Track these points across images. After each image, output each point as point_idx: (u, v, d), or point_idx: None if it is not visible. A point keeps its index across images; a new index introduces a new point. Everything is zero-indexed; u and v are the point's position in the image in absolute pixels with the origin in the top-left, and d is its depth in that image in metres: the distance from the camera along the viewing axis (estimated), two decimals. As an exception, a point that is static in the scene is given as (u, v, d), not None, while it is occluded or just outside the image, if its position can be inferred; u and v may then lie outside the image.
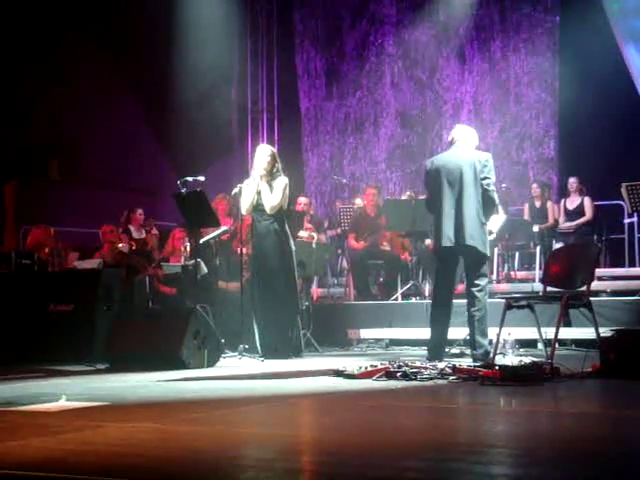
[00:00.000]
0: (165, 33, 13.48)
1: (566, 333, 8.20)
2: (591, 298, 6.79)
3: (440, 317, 7.33)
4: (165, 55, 13.56)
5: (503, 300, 6.99)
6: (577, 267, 7.00)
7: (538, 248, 11.01)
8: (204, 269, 9.36)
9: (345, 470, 3.23)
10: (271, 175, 8.26)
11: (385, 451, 3.54)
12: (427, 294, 9.82)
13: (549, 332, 6.76)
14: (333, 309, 10.28)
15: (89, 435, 3.96)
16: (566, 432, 4.10)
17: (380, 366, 6.21)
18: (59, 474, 3.17)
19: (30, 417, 4.66)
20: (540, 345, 7.55)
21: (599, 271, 9.73)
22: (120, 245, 10.30)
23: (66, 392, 5.29)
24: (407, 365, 6.17)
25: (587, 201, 11.27)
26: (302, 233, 10.26)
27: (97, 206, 12.72)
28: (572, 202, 11.39)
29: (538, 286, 9.10)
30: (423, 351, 8.14)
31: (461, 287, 9.61)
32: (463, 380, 5.85)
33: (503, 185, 11.64)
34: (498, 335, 6.49)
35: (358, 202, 11.56)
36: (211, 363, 7.44)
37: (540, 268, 10.51)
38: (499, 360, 6.01)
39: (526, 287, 10.29)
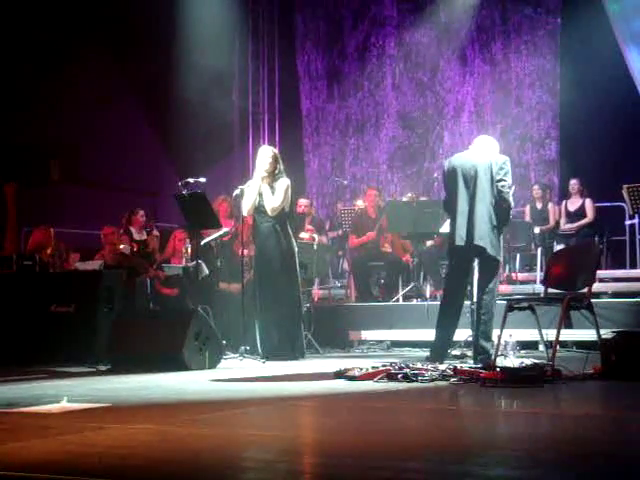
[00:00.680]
0: (166, 34, 13.49)
1: (567, 335, 8.20)
2: (592, 300, 6.79)
3: (448, 319, 7.29)
4: (166, 56, 13.57)
5: (504, 302, 6.98)
6: (578, 269, 7.00)
7: (539, 250, 11.02)
8: (205, 270, 9.36)
9: (346, 472, 3.23)
10: (273, 177, 8.27)
11: (386, 453, 3.54)
12: (428, 295, 9.82)
13: (550, 334, 6.76)
14: (334, 310, 10.29)
15: (91, 436, 3.96)
16: (567, 434, 4.10)
17: (381, 368, 6.21)
18: (61, 476, 3.17)
19: (32, 418, 4.66)
20: (541, 347, 7.56)
21: (600, 273, 9.72)
22: (121, 246, 10.30)
23: (68, 393, 5.29)
24: (408, 367, 6.18)
25: (588, 203, 11.27)
26: (303, 235, 10.27)
27: (98, 207, 12.71)
28: (573, 204, 11.39)
29: (539, 288, 9.11)
30: (424, 352, 8.15)
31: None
32: (464, 382, 5.85)
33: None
34: (499, 337, 6.49)
35: (359, 203, 11.56)
36: (212, 364, 7.44)
37: (541, 270, 10.52)
38: (500, 362, 6.01)
39: (527, 289, 10.30)
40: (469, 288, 7.68)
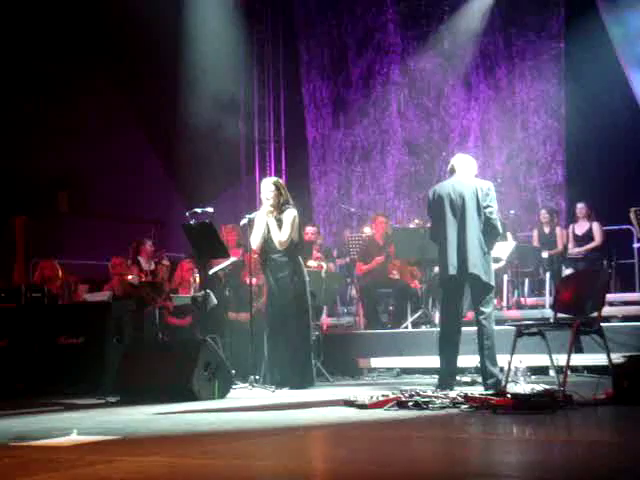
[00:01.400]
0: (171, 65, 13.57)
1: (578, 360, 8.15)
2: (602, 324, 6.76)
3: (448, 346, 7.33)
4: (171, 86, 13.65)
5: (514, 327, 6.96)
6: (587, 293, 6.97)
7: (548, 274, 11.00)
8: (214, 300, 9.35)
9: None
10: (279, 208, 8.27)
11: (399, 483, 3.52)
12: (437, 322, 9.79)
13: (561, 359, 6.73)
14: (343, 338, 10.25)
15: (102, 470, 3.95)
16: (580, 461, 4.06)
17: (391, 396, 6.18)
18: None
19: (41, 452, 4.65)
20: (552, 372, 7.52)
21: (610, 296, 9.69)
22: (129, 277, 10.31)
23: (77, 426, 5.28)
24: (419, 394, 6.14)
25: (596, 226, 11.25)
26: (311, 262, 10.26)
27: (106, 238, 12.73)
28: (581, 227, 11.38)
29: (548, 312, 9.07)
30: (434, 379, 8.11)
31: (470, 315, 9.62)
32: (475, 409, 5.81)
33: (512, 211, 11.66)
34: (509, 363, 6.46)
35: (367, 231, 11.55)
36: (222, 394, 7.42)
37: (550, 294, 10.49)
38: (511, 388, 5.98)
39: (536, 313, 10.26)
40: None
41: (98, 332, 8.51)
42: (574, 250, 11.27)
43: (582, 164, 12.75)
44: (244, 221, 8.53)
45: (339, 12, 14.95)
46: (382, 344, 9.78)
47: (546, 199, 13.24)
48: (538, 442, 4.75)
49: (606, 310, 8.44)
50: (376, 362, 9.71)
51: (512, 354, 6.52)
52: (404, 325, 10.15)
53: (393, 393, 6.29)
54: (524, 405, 5.59)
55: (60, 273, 9.92)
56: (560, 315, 7.13)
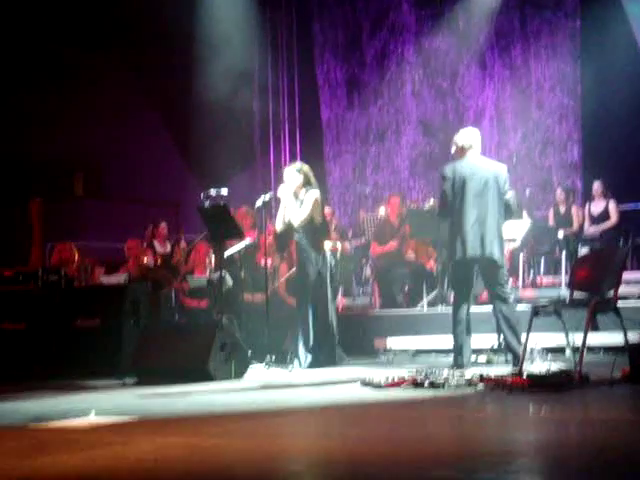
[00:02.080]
0: (185, 47, 13.55)
1: (594, 339, 8.11)
2: (619, 303, 6.74)
3: (462, 325, 7.37)
4: (185, 68, 13.64)
5: (529, 307, 6.94)
6: (604, 272, 6.94)
7: (564, 253, 10.95)
8: (229, 281, 9.38)
9: (375, 482, 3.23)
10: (302, 190, 8.34)
11: (414, 462, 3.53)
12: (452, 301, 9.79)
13: (577, 338, 6.71)
14: (359, 319, 10.26)
15: (119, 450, 3.97)
16: (597, 440, 4.06)
17: (407, 376, 6.20)
18: (91, 490, 3.19)
19: (60, 433, 4.68)
20: (568, 352, 7.49)
21: (626, 275, 9.64)
22: (145, 259, 10.34)
23: (95, 407, 5.32)
24: (435, 374, 6.15)
25: (612, 205, 11.19)
26: (326, 243, 10.25)
27: (122, 220, 12.79)
28: (597, 206, 11.32)
29: (564, 291, 9.04)
30: (450, 359, 8.12)
31: (485, 295, 9.61)
32: (491, 389, 5.82)
33: (527, 191, 11.61)
34: (525, 342, 6.46)
35: (381, 211, 11.54)
36: (239, 375, 7.45)
37: (566, 273, 10.45)
38: (527, 367, 5.98)
39: (552, 293, 10.21)
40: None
41: (115, 314, 8.54)
42: (590, 229, 11.22)
43: (598, 143, 12.66)
44: (259, 203, 8.55)
45: (353, -8, 14.89)
46: (398, 324, 9.78)
47: (562, 178, 13.17)
48: (554, 421, 4.76)
49: (622, 289, 8.39)
50: (392, 342, 9.70)
51: (528, 334, 6.51)
52: (420, 305, 10.14)
53: (409, 373, 6.31)
54: (540, 385, 5.59)
55: (77, 256, 9.97)
56: (576, 294, 7.10)
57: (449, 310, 9.37)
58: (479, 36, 13.72)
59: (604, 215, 11.20)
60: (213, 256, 9.65)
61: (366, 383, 6.23)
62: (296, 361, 8.12)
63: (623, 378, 5.95)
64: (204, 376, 7.21)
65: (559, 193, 11.65)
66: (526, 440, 4.17)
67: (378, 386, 6.09)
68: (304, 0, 15.39)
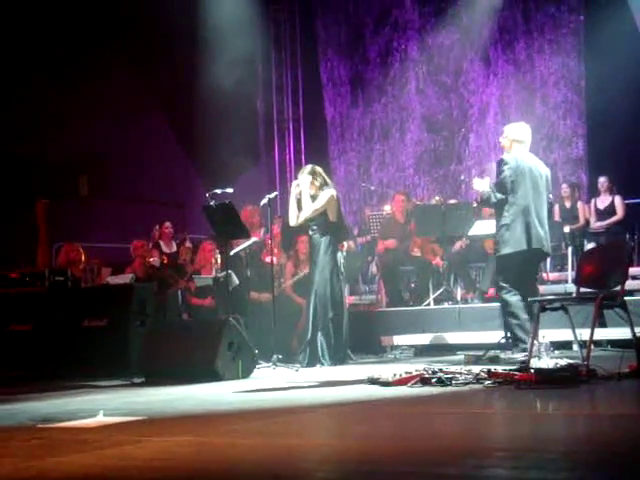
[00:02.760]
0: (188, 45, 13.56)
1: (601, 334, 8.12)
2: (625, 297, 6.73)
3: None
4: (189, 67, 13.64)
5: (537, 303, 6.94)
6: (610, 267, 6.93)
7: (570, 249, 10.94)
8: (235, 280, 9.39)
9: (382, 478, 3.23)
10: (318, 191, 8.44)
11: (422, 458, 3.53)
12: (459, 298, 9.80)
13: (584, 333, 6.71)
14: (365, 316, 10.27)
15: (128, 450, 3.98)
16: (604, 435, 4.06)
17: (415, 372, 6.19)
18: (100, 490, 3.19)
19: (69, 433, 4.69)
20: (575, 347, 7.50)
21: (632, 270, 9.64)
22: (151, 259, 10.36)
23: (103, 407, 5.32)
24: (442, 371, 6.15)
25: (618, 200, 11.18)
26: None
27: (127, 221, 12.80)
28: (603, 201, 11.31)
29: (571, 287, 9.04)
30: (458, 356, 8.13)
31: (492, 291, 9.61)
32: (499, 384, 5.81)
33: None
34: (532, 338, 6.45)
35: (387, 209, 11.53)
36: (246, 374, 7.46)
37: (572, 269, 10.44)
38: (534, 363, 5.97)
39: (559, 288, 10.23)
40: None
41: (122, 314, 8.56)
42: (596, 224, 11.21)
43: (603, 137, 12.64)
44: (264, 201, 8.57)
45: (355, -11, 14.88)
46: (405, 321, 9.79)
47: (567, 173, 13.15)
48: (562, 416, 4.75)
49: (629, 284, 8.41)
50: (399, 339, 9.72)
51: (535, 329, 6.50)
52: (426, 302, 10.14)
53: (416, 370, 6.30)
54: (547, 380, 5.59)
55: (83, 256, 9.99)
56: (583, 289, 7.10)
57: (456, 307, 9.41)
58: (483, 32, 13.71)
59: (610, 210, 11.20)
60: (219, 255, 9.66)
61: (373, 380, 6.22)
62: (326, 359, 8.22)
63: (630, 373, 5.94)
64: (211, 375, 7.22)
65: (564, 188, 11.65)
66: (534, 435, 4.16)
67: (385, 383, 6.09)
68: (307, -3, 15.41)
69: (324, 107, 15.17)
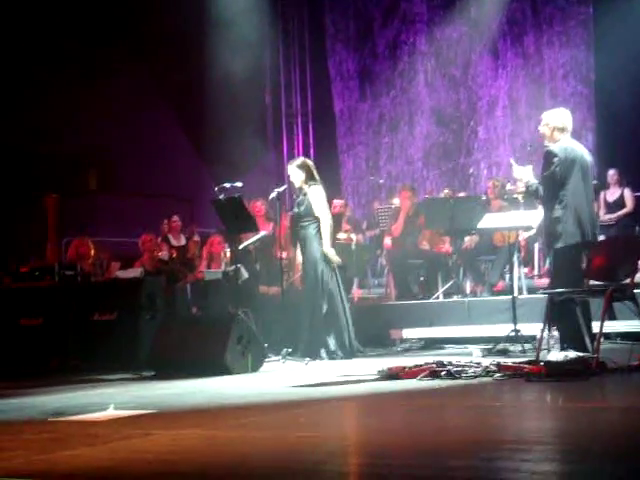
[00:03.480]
0: (197, 40, 13.56)
1: (611, 326, 8.10)
2: (635, 290, 6.71)
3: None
4: (198, 62, 13.64)
5: (546, 295, 6.92)
6: (620, 259, 6.91)
7: (579, 242, 10.89)
8: (245, 274, 9.39)
9: (393, 471, 3.23)
10: (305, 185, 8.41)
11: (432, 451, 3.53)
12: (468, 291, 9.78)
13: (593, 326, 6.69)
14: (374, 310, 10.26)
15: (138, 443, 3.99)
16: (614, 427, 4.06)
17: (424, 366, 6.19)
18: (110, 483, 3.20)
19: (79, 427, 4.71)
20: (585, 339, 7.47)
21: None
22: (160, 253, 10.37)
23: (113, 401, 5.34)
24: (451, 364, 6.15)
25: (627, 192, 11.15)
26: (341, 235, 10.25)
27: (136, 215, 12.82)
28: (612, 194, 11.28)
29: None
30: (467, 349, 8.12)
31: (501, 284, 9.59)
32: (508, 377, 5.81)
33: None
34: (542, 331, 6.44)
35: (396, 202, 11.51)
36: (255, 368, 7.46)
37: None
38: (544, 356, 5.96)
39: (568, 281, 10.18)
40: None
41: (131, 308, 8.58)
42: (606, 217, 11.18)
43: (613, 130, 12.59)
44: (273, 195, 8.57)
45: (364, -17, 14.86)
46: (414, 315, 9.77)
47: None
48: (572, 409, 4.75)
49: (639, 276, 8.38)
50: (408, 333, 9.70)
51: (545, 322, 6.49)
52: (435, 295, 10.13)
53: (426, 363, 6.30)
54: (557, 372, 5.58)
55: (93, 251, 10.01)
56: (592, 282, 7.08)
57: (465, 300, 9.39)
58: (491, 24, 13.66)
59: (620, 202, 11.16)
60: (228, 249, 9.67)
61: (383, 374, 6.22)
62: (323, 354, 8.18)
63: (640, 365, 5.93)
64: (221, 369, 7.22)
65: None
66: (544, 428, 4.16)
67: (395, 376, 6.09)
68: (315, -9, 15.39)
69: (333, 101, 15.15)
